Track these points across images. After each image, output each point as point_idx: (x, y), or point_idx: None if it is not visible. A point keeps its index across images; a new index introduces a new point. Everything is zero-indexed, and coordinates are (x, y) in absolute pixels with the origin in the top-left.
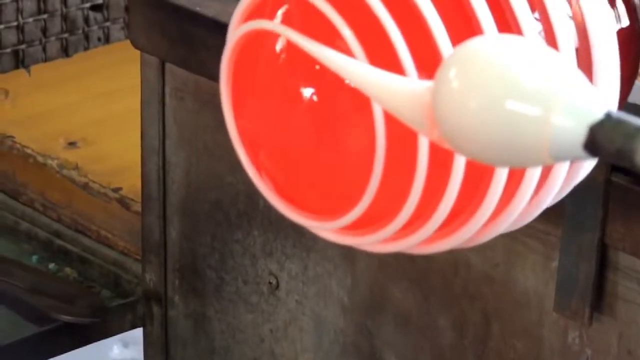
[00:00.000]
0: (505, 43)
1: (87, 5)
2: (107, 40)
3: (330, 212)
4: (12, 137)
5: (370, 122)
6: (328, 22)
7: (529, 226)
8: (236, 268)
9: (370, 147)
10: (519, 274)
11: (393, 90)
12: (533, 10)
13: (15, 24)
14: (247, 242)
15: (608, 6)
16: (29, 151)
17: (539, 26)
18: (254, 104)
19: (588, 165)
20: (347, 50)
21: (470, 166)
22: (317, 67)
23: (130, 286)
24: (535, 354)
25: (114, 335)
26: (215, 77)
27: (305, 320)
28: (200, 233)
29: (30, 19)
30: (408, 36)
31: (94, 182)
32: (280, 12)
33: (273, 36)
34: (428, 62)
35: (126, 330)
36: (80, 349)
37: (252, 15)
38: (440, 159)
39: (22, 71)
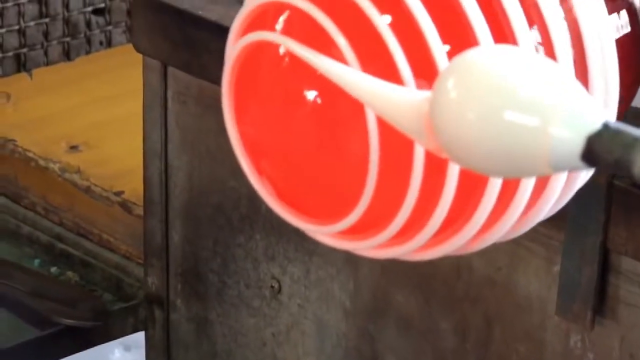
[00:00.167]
0: (504, 54)
1: (89, 9)
2: (108, 44)
3: (328, 216)
4: (14, 140)
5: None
6: (326, 30)
7: (531, 230)
8: (238, 272)
9: (369, 152)
10: (521, 277)
11: (392, 101)
12: (531, 21)
13: (17, 27)
14: (250, 245)
15: (606, 13)
16: (30, 155)
17: (537, 37)
18: (256, 109)
19: (584, 176)
20: (344, 59)
21: (465, 174)
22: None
23: (132, 290)
24: (537, 357)
25: (115, 338)
26: (217, 81)
27: (308, 324)
28: (202, 237)
29: (32, 23)
30: (405, 45)
31: (96, 185)
32: (281, 20)
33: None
34: (424, 71)
35: (128, 334)
36: (82, 352)
37: (252, 24)
38: (436, 166)
39: (24, 75)
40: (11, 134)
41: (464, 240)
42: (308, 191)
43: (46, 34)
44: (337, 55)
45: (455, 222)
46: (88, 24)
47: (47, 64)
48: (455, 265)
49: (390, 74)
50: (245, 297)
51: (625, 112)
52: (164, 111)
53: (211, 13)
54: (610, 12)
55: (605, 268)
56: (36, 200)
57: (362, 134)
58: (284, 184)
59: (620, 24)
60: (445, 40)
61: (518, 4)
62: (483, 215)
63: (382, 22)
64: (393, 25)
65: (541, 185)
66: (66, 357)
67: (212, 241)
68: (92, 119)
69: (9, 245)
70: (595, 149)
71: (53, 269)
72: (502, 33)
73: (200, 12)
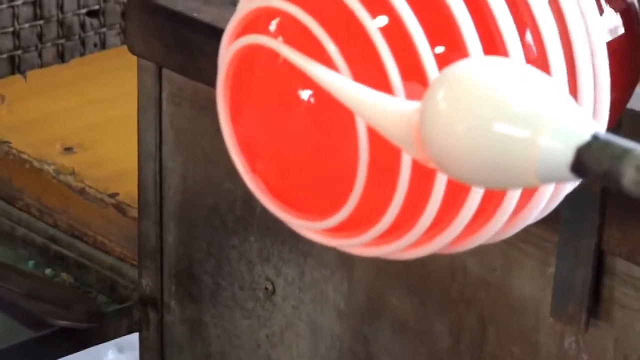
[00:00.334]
0: (493, 65)
1: (83, 11)
2: (103, 46)
3: (318, 213)
4: (9, 142)
5: None
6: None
7: (525, 231)
8: (232, 273)
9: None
10: (516, 279)
11: (381, 111)
12: (523, 31)
13: (11, 29)
14: (244, 247)
15: (598, 16)
16: (25, 156)
17: (530, 48)
18: (251, 110)
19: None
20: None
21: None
22: None
23: (126, 291)
24: (531, 358)
25: (110, 340)
26: (212, 82)
27: (302, 326)
28: (196, 238)
29: (26, 25)
30: (395, 49)
31: (90, 187)
32: (274, 23)
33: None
34: (415, 74)
35: (122, 336)
36: (75, 354)
37: (246, 28)
38: (424, 169)
39: (18, 77)
40: (6, 136)
41: (450, 239)
42: (300, 189)
43: (40, 36)
44: (329, 59)
45: (442, 221)
46: (82, 26)
47: (42, 65)
48: (450, 266)
49: (380, 78)
50: (240, 299)
51: (621, 115)
52: (158, 113)
53: (205, 15)
54: (604, 13)
55: (599, 270)
56: (31, 201)
57: (353, 134)
58: (277, 182)
59: (615, 25)
60: (435, 43)
61: (507, 11)
62: (468, 214)
63: (373, 25)
64: (383, 30)
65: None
66: (60, 359)
67: (207, 243)
68: (87, 120)
69: (3, 246)
70: (584, 161)
71: (47, 271)
72: (492, 40)
73: (194, 14)
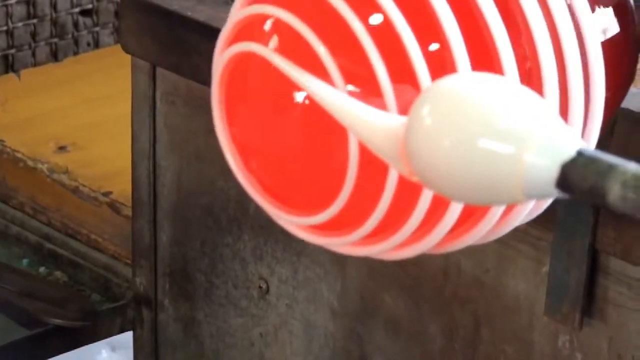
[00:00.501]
0: (479, 81)
1: (77, 10)
2: (96, 45)
3: (307, 210)
4: (3, 141)
5: None
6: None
7: (520, 231)
8: (226, 272)
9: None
10: (510, 278)
11: (368, 124)
12: (518, 46)
13: (4, 28)
14: (238, 246)
15: (591, 17)
16: (19, 155)
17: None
18: (245, 112)
19: None
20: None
21: None
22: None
23: (120, 290)
24: (525, 358)
25: (103, 338)
26: (207, 81)
27: (296, 325)
28: (190, 237)
29: (20, 24)
30: (384, 51)
31: (84, 186)
32: (267, 29)
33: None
34: (406, 76)
35: (116, 334)
36: (68, 353)
37: (239, 34)
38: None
39: (11, 76)
40: (0, 135)
41: (438, 240)
42: (292, 187)
43: (34, 35)
44: (319, 62)
45: (429, 222)
46: (76, 25)
47: (35, 64)
48: (444, 266)
49: (371, 80)
50: (233, 298)
51: (616, 114)
52: (152, 112)
53: (200, 14)
54: (596, 12)
55: (593, 269)
56: (25, 200)
57: (344, 135)
58: (270, 180)
59: (609, 25)
60: (425, 44)
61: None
62: (455, 215)
63: (362, 28)
64: (373, 32)
65: None
66: (52, 358)
67: (200, 242)
68: (81, 119)
69: None
70: (570, 177)
71: (41, 269)
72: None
73: (188, 13)
